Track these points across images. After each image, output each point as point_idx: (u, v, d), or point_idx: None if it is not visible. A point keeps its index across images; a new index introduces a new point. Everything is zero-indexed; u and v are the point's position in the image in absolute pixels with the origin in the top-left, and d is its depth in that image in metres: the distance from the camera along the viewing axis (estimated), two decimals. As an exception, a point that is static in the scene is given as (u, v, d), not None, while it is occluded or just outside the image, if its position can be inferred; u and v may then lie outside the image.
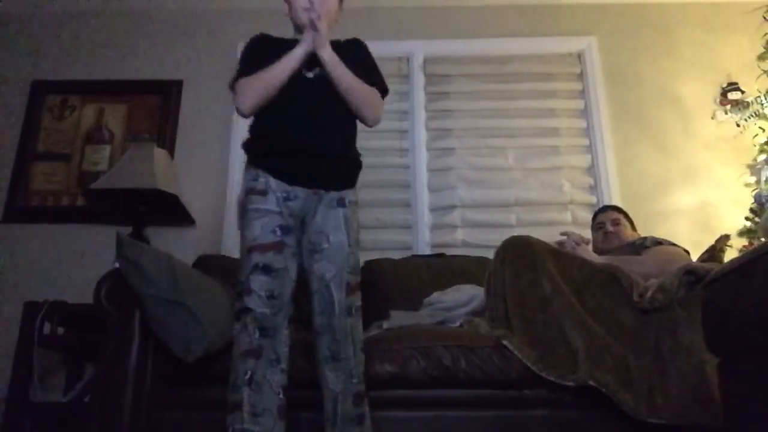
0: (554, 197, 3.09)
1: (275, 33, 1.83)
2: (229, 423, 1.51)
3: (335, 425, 1.58)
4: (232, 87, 1.75)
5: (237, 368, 1.54)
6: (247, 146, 1.77)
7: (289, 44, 1.73)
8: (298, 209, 1.66)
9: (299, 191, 1.65)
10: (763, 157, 2.82)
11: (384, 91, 1.81)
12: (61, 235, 3.00)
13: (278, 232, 1.63)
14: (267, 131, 1.73)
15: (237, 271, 1.64)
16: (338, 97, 1.71)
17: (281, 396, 1.56)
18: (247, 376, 1.52)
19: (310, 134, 1.68)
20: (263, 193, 1.65)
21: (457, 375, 1.74)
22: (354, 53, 1.79)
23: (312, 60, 1.71)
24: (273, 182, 1.65)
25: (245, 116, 1.74)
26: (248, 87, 1.70)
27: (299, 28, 1.77)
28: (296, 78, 1.71)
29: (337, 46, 1.75)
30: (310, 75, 1.73)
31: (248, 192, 1.68)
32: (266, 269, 1.60)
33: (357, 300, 1.70)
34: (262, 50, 1.76)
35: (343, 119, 1.75)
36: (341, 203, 1.70)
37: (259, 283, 1.58)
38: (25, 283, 2.88)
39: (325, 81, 1.70)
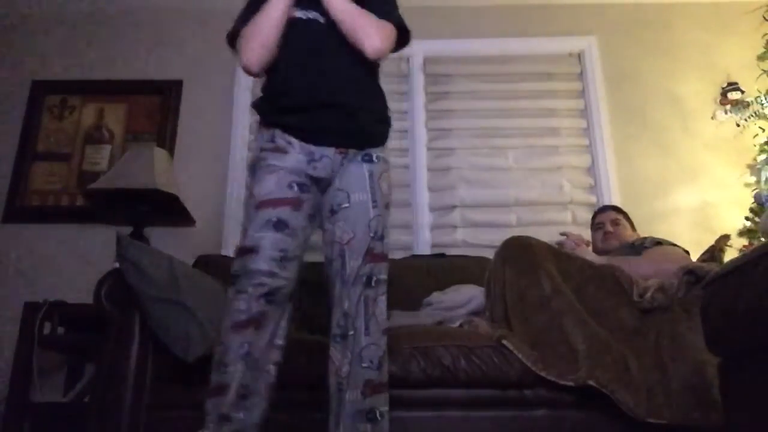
0: (554, 197, 3.09)
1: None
2: (210, 408, 1.31)
3: (339, 421, 1.37)
4: (232, 42, 1.59)
5: (229, 341, 1.33)
6: (259, 106, 1.59)
7: None
8: (326, 171, 1.49)
9: (325, 151, 1.48)
10: (763, 157, 2.81)
11: (398, 27, 1.59)
12: (61, 235, 3.00)
13: (295, 188, 1.44)
14: (279, 86, 1.54)
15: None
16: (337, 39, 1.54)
17: (273, 374, 1.38)
18: (243, 350, 1.32)
19: (328, 85, 1.51)
20: (283, 151, 1.48)
21: (457, 375, 1.74)
22: None
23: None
24: (295, 142, 1.48)
25: (254, 74, 1.57)
26: (248, 40, 1.53)
27: None
28: (303, 23, 1.55)
29: None
30: (312, 16, 1.56)
31: (264, 149, 1.49)
32: (280, 225, 1.39)
33: (381, 271, 1.46)
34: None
35: (358, 63, 1.54)
36: (367, 158, 1.52)
37: (270, 240, 1.37)
38: (25, 283, 2.88)
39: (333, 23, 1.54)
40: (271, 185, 1.44)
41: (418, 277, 2.55)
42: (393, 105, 3.41)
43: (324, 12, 1.55)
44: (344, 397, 1.38)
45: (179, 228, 2.99)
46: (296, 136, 1.48)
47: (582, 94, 3.29)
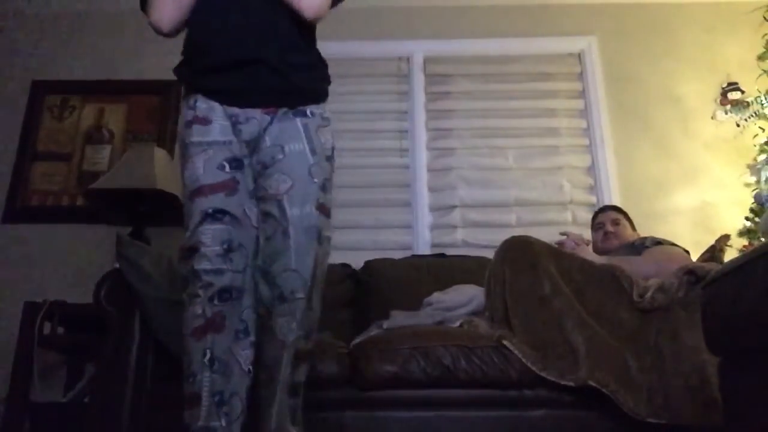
0: (554, 197, 3.09)
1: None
2: (187, 420, 1.26)
3: (272, 387, 1.28)
4: (143, 4, 1.47)
5: (190, 350, 1.26)
6: (179, 70, 1.49)
7: None
8: (253, 134, 1.38)
9: (251, 112, 1.38)
10: (763, 157, 2.81)
11: None
12: (61, 235, 3.00)
13: (227, 168, 1.33)
14: (199, 46, 1.44)
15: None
16: None
17: (251, 375, 1.29)
18: (207, 357, 1.25)
19: (251, 41, 1.38)
20: (205, 121, 1.37)
21: (457, 375, 1.74)
22: None
23: None
24: (217, 107, 1.38)
25: (165, 33, 1.48)
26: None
27: None
28: None
29: None
30: None
31: (187, 124, 1.39)
32: (217, 215, 1.30)
33: (328, 227, 1.37)
34: None
35: (285, 18, 1.43)
36: (301, 114, 1.41)
37: (210, 234, 1.28)
38: (25, 283, 2.88)
39: None
40: (199, 168, 1.33)
41: (418, 277, 2.55)
42: (393, 105, 3.42)
43: None
44: (280, 366, 1.28)
45: (179, 228, 2.97)
46: (218, 100, 1.38)
47: (582, 94, 3.29)
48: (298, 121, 1.40)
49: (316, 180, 1.36)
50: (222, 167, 1.33)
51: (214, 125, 1.36)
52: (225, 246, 1.29)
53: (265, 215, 1.36)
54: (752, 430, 1.19)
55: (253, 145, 1.40)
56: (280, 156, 1.36)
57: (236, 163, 1.35)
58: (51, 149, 3.17)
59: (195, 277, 1.28)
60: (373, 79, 3.26)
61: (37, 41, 3.36)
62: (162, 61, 3.31)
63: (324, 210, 1.36)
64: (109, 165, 3.09)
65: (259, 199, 1.38)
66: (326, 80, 1.52)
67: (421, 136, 3.20)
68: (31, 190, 3.09)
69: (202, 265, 1.28)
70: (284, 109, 1.40)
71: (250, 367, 1.30)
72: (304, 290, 1.29)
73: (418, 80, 3.28)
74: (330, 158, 1.43)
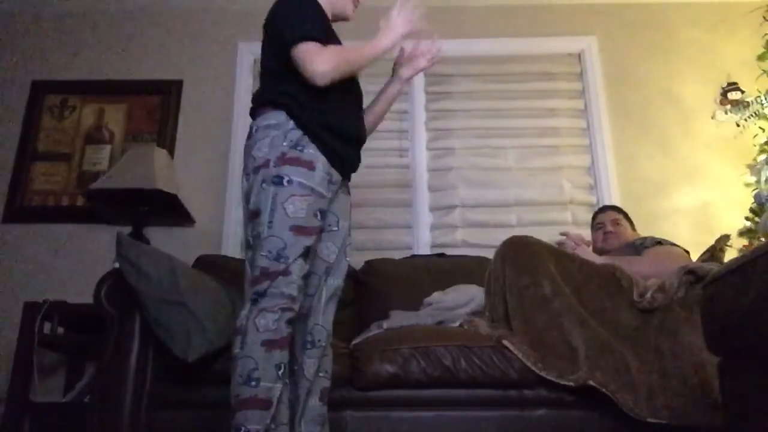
0: (554, 197, 3.09)
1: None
2: (258, 420, 1.35)
3: (301, 422, 1.54)
4: (295, 44, 1.52)
5: (260, 358, 1.38)
6: (305, 116, 1.53)
7: (329, 23, 1.69)
8: (332, 194, 1.60)
9: (336, 175, 1.59)
10: (763, 157, 2.81)
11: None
12: (61, 235, 3.00)
13: (319, 216, 1.52)
14: (334, 112, 1.59)
15: (259, 242, 1.45)
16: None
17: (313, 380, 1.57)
18: (281, 371, 1.40)
19: (360, 124, 1.74)
20: (310, 166, 1.50)
21: (457, 375, 1.74)
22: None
23: None
24: (322, 159, 1.52)
25: (318, 83, 1.52)
26: (334, 56, 1.54)
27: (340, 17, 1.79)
28: None
29: None
30: None
31: (289, 158, 1.48)
32: (307, 254, 1.49)
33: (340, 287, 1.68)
34: (325, 18, 1.66)
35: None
36: (348, 190, 1.72)
37: (299, 267, 1.46)
38: (25, 283, 2.88)
39: None
40: (303, 209, 1.47)
41: (418, 277, 2.55)
42: (393, 105, 3.41)
43: None
44: (309, 403, 1.55)
45: (179, 228, 2.99)
46: (327, 156, 1.54)
47: (582, 94, 3.29)
48: (348, 199, 1.70)
49: (348, 258, 1.68)
50: (316, 215, 1.51)
51: (317, 174, 1.52)
52: (303, 277, 1.49)
53: (311, 274, 1.58)
54: (752, 430, 1.19)
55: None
56: (335, 228, 1.64)
57: (323, 214, 1.55)
58: (51, 149, 3.17)
59: (280, 296, 1.43)
60: (373, 79, 3.25)
61: (36, 41, 3.36)
62: (162, 61, 3.33)
63: (344, 275, 1.68)
64: (109, 165, 3.09)
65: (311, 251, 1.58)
66: None
67: (421, 136, 3.20)
68: (31, 190, 3.09)
69: (290, 290, 1.44)
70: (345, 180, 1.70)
71: (315, 373, 1.57)
72: (327, 340, 1.61)
73: (418, 80, 3.28)
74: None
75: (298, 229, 1.45)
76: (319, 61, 1.51)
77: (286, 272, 1.43)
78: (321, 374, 1.58)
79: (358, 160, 1.72)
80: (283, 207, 1.45)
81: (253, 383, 1.35)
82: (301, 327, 1.56)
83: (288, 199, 1.46)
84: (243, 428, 1.33)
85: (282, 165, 1.48)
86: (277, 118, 1.54)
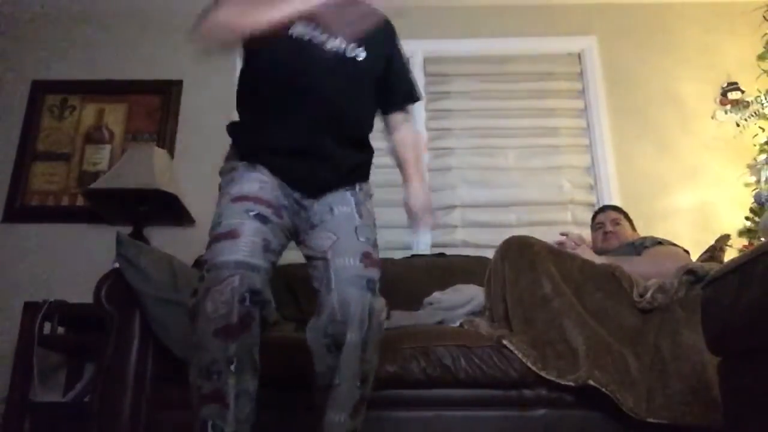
0: (554, 197, 3.09)
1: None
2: (206, 416, 1.18)
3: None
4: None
5: (212, 347, 1.16)
6: (237, 136, 1.47)
7: None
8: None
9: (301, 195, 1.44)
10: (763, 157, 2.81)
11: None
12: (61, 235, 3.00)
13: (281, 199, 1.37)
14: (264, 118, 1.43)
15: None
16: (367, 84, 1.48)
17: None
18: (233, 362, 1.18)
19: (324, 132, 1.41)
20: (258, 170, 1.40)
21: (457, 375, 1.74)
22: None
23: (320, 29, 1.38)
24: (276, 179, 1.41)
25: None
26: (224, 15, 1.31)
27: None
28: (315, 50, 1.39)
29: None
30: (339, 49, 1.43)
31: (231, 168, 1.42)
32: (262, 217, 1.27)
33: (375, 274, 1.32)
34: None
35: (368, 109, 1.54)
36: (348, 189, 1.50)
37: (252, 228, 1.23)
38: (25, 283, 2.88)
39: (360, 67, 1.44)
40: (254, 187, 1.34)
41: (418, 277, 2.55)
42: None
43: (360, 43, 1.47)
44: (333, 419, 1.26)
45: (179, 228, 2.99)
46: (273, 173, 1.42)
47: (582, 94, 3.29)
48: (348, 192, 1.48)
49: (363, 239, 1.37)
50: (275, 195, 1.37)
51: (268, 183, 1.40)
52: (264, 243, 1.30)
53: (312, 270, 1.39)
54: (752, 430, 1.19)
55: (307, 203, 1.45)
56: (328, 216, 1.41)
57: (288, 205, 1.40)
58: (51, 149, 3.17)
59: (228, 268, 1.25)
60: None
61: (36, 41, 3.36)
62: (162, 61, 3.32)
63: (375, 262, 1.33)
64: (109, 165, 3.09)
65: (307, 258, 1.42)
66: (372, 156, 1.61)
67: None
68: (31, 190, 3.09)
69: (242, 254, 1.26)
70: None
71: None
72: (353, 336, 1.26)
73: (418, 80, 3.28)
74: (373, 223, 1.47)
75: (239, 198, 1.38)
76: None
77: None
78: (357, 384, 1.33)
79: (333, 176, 1.46)
80: (226, 192, 1.43)
81: None
82: (316, 323, 1.35)
83: (231, 183, 1.45)
84: None
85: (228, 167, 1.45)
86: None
